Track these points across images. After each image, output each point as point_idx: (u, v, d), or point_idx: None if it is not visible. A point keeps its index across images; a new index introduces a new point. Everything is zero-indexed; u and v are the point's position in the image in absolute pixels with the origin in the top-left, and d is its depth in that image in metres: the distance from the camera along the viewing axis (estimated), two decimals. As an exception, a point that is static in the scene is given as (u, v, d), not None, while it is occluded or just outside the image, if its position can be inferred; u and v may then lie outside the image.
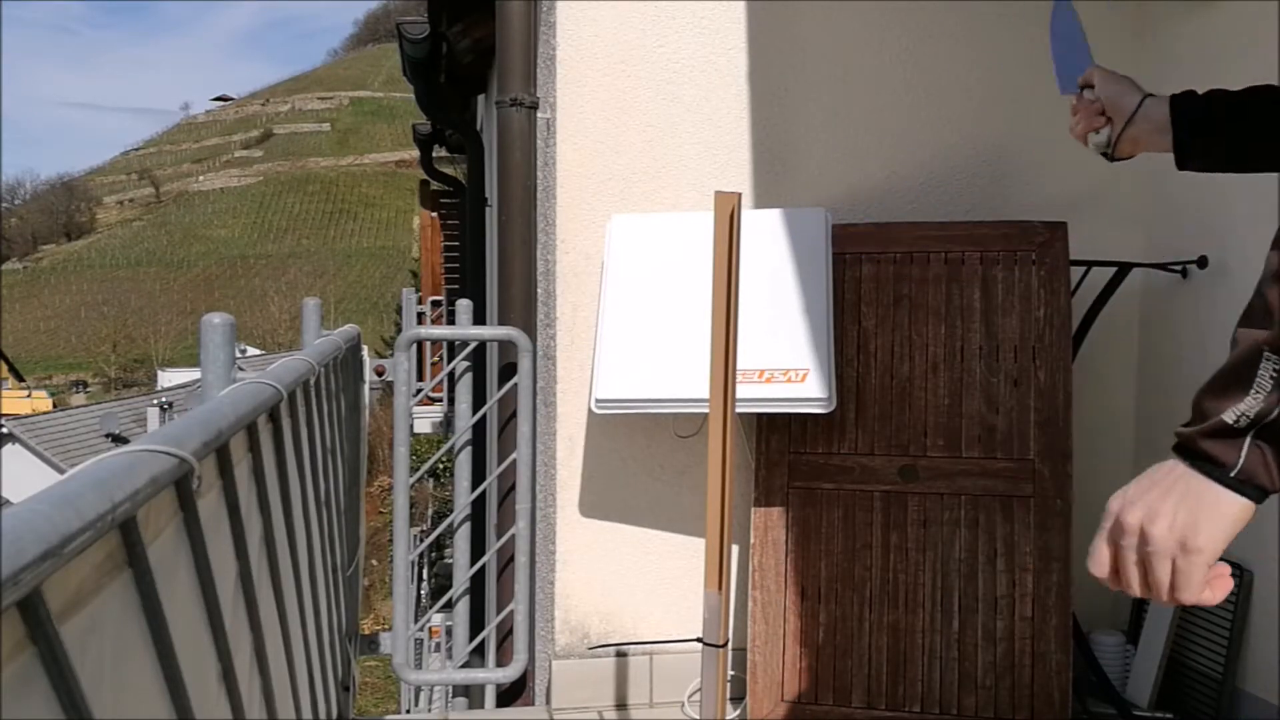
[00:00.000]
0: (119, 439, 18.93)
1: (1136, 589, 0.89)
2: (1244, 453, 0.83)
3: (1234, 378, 0.84)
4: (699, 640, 1.91)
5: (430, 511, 18.75)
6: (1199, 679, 2.72)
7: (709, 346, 1.81)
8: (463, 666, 3.11)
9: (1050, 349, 2.64)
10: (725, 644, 1.88)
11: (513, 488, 2.84)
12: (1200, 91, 1.32)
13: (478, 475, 3.04)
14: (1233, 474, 0.84)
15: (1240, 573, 2.63)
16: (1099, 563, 0.91)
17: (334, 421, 2.34)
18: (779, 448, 2.76)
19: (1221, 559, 0.88)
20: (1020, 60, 3.04)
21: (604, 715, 2.84)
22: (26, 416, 23.28)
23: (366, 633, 3.48)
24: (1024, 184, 3.04)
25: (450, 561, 4.38)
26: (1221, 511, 0.85)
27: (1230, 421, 0.83)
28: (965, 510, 2.64)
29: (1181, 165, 1.32)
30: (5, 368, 32.27)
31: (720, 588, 1.83)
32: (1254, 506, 0.85)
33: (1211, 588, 0.87)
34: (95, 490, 0.68)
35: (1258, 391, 0.82)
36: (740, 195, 1.82)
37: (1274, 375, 0.82)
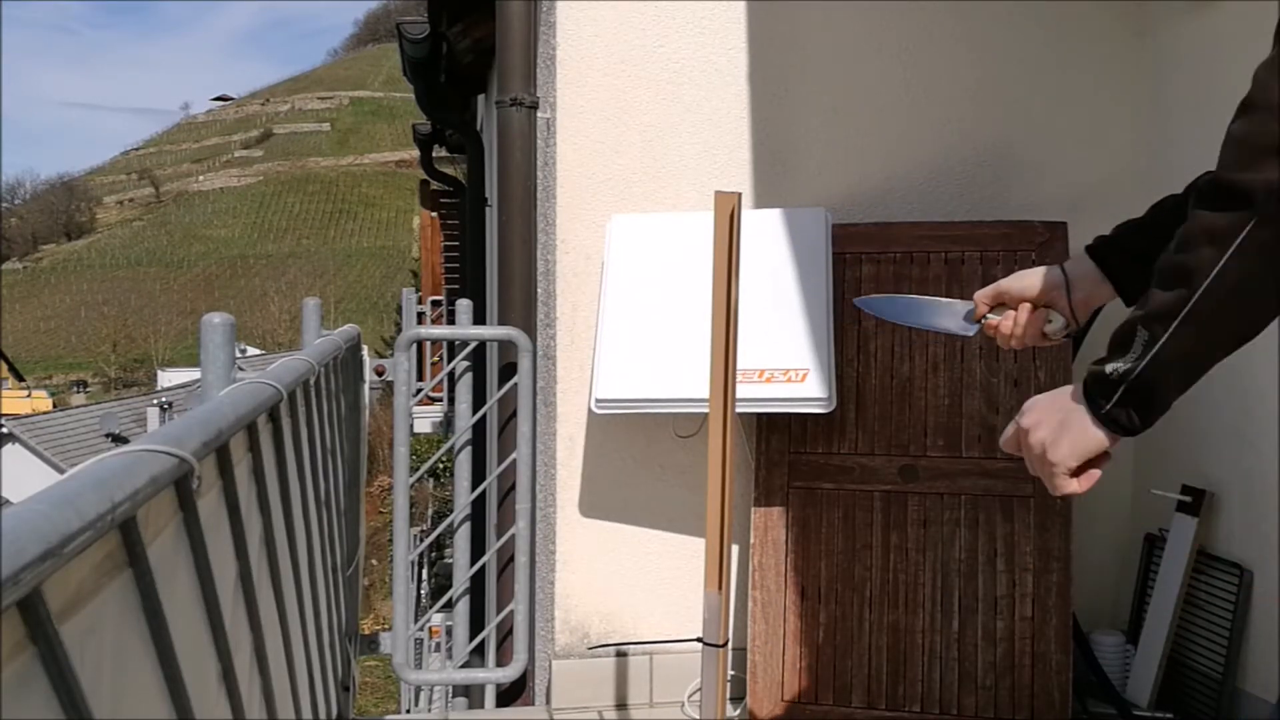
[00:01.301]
0: (119, 439, 18.93)
1: (1033, 472, 1.16)
2: (1114, 403, 1.06)
3: (1121, 338, 1.04)
4: (699, 640, 1.91)
5: (430, 511, 18.75)
6: (1199, 679, 2.72)
7: (709, 346, 1.81)
8: (463, 666, 3.11)
9: (1050, 349, 2.64)
10: (725, 644, 1.88)
11: (513, 488, 2.84)
12: (1108, 233, 1.33)
13: (478, 475, 3.04)
14: (1102, 413, 1.08)
15: (1240, 573, 2.63)
16: (1006, 443, 1.18)
17: (334, 421, 2.34)
18: (779, 448, 2.76)
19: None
20: (1020, 60, 3.04)
21: (604, 715, 2.84)
22: (26, 416, 23.29)
23: (366, 633, 3.48)
24: (1024, 184, 3.04)
25: (450, 561, 4.38)
26: (1084, 438, 1.10)
27: (1109, 373, 1.05)
28: (965, 510, 2.64)
29: (1130, 301, 1.32)
30: (5, 368, 32.27)
31: (720, 588, 1.83)
32: (1114, 436, 1.09)
33: (1080, 483, 1.14)
34: (95, 490, 0.68)
35: (1131, 354, 1.03)
36: (740, 195, 1.82)
37: (1143, 343, 1.02)
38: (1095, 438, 1.09)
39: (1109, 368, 1.05)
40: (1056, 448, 1.11)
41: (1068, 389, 1.12)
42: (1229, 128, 0.95)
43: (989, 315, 1.37)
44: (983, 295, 1.37)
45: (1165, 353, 1.00)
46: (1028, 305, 1.33)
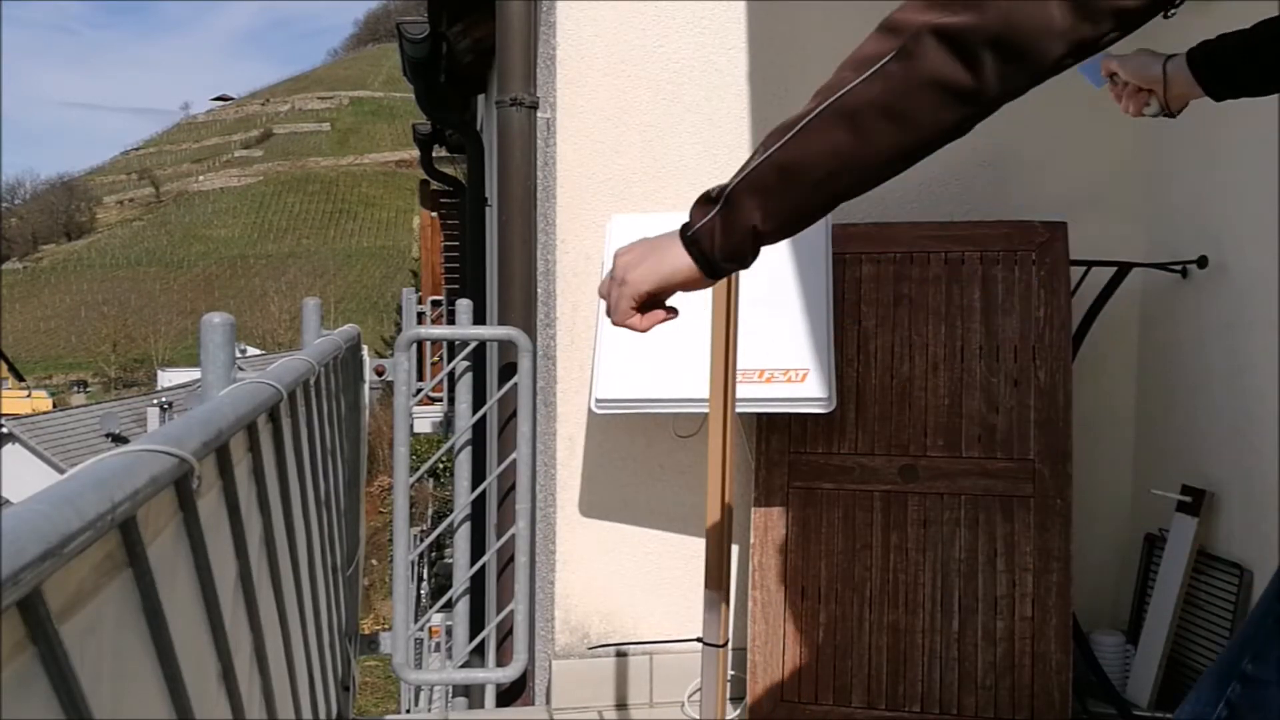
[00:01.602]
0: (119, 439, 18.94)
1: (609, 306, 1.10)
2: (706, 219, 0.99)
3: (747, 160, 0.98)
4: (699, 640, 1.91)
5: (430, 511, 18.76)
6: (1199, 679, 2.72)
7: (709, 346, 1.81)
8: (463, 666, 3.11)
9: (1050, 349, 2.64)
10: (725, 644, 1.88)
11: (513, 487, 2.84)
12: (1212, 38, 1.49)
13: (478, 475, 3.04)
14: (690, 233, 1.00)
15: (1240, 573, 2.63)
16: (600, 286, 1.12)
17: (334, 421, 2.34)
18: (779, 448, 2.76)
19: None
20: (1020, 60, 3.04)
21: (604, 715, 2.84)
22: (26, 416, 23.30)
23: (366, 633, 3.48)
24: (1024, 184, 3.04)
25: (450, 561, 4.39)
26: (665, 260, 1.03)
27: (711, 191, 0.99)
28: (965, 510, 2.64)
29: (1218, 99, 1.52)
30: (5, 368, 32.29)
31: (720, 587, 1.83)
32: (695, 268, 1.01)
33: (642, 320, 1.07)
34: (95, 490, 0.68)
35: (740, 170, 0.97)
36: None
37: (755, 157, 0.96)
38: (674, 262, 1.03)
39: (715, 186, 1.00)
40: (634, 268, 1.06)
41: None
42: None
43: (1115, 79, 1.64)
44: (1107, 64, 1.64)
45: (768, 163, 0.95)
46: (1134, 86, 1.59)
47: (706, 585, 1.82)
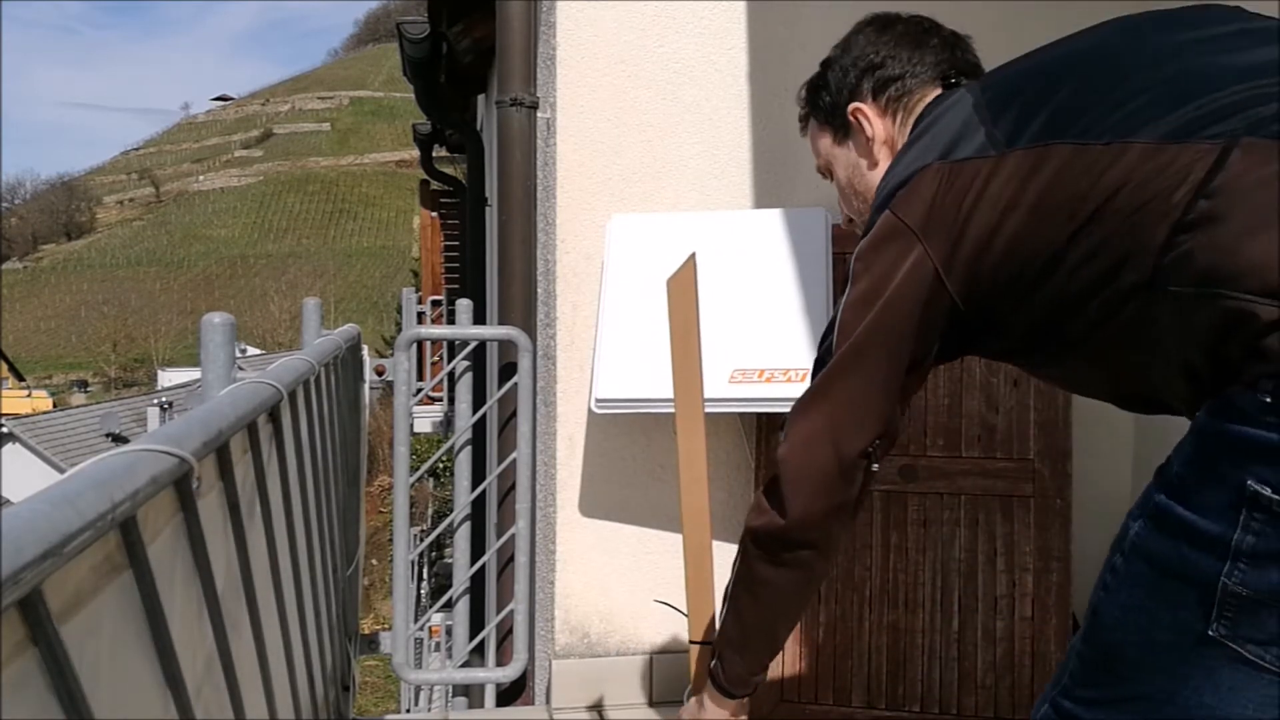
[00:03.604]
0: (119, 439, 18.94)
1: None
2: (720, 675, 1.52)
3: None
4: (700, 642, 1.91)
5: (430, 511, 18.77)
6: (1199, 679, 2.72)
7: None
8: (463, 666, 3.12)
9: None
10: (707, 642, 1.88)
11: (513, 487, 2.84)
12: None
13: (478, 475, 3.04)
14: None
15: (1240, 573, 2.63)
16: None
17: (334, 421, 2.34)
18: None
19: None
20: (1020, 60, 3.04)
21: (604, 715, 2.85)
22: (26, 416, 23.32)
23: (366, 633, 3.47)
24: (1024, 184, 3.04)
25: (450, 561, 4.38)
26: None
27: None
28: (965, 510, 2.64)
29: None
30: (5, 368, 32.29)
31: (705, 585, 1.83)
32: (735, 703, 1.48)
33: None
34: (95, 490, 0.68)
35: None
36: (695, 260, 1.84)
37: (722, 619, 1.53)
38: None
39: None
40: None
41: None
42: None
43: None
44: None
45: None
46: None
47: (687, 584, 1.83)
